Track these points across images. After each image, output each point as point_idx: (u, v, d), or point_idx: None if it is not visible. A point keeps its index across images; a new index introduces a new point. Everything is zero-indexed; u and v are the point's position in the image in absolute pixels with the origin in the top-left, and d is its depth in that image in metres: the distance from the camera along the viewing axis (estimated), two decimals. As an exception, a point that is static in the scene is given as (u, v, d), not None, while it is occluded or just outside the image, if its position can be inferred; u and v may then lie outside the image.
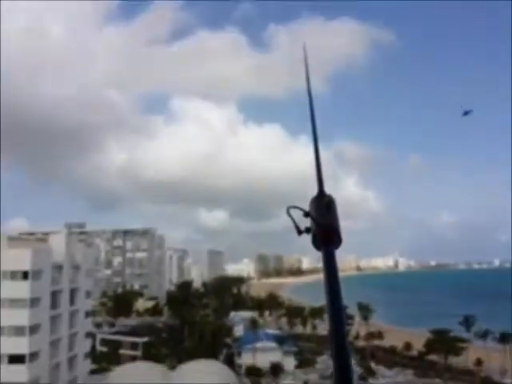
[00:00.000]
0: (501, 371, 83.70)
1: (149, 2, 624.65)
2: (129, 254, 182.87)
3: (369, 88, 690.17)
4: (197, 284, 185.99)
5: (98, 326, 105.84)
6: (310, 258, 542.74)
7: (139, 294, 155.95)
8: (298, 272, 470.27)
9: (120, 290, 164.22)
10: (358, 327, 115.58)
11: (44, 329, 48.39)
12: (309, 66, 2.76)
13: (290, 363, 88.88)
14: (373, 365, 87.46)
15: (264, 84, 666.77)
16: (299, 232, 1.99)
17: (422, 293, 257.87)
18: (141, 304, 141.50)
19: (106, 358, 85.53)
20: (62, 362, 51.93)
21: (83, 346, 58.28)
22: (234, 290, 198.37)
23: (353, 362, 62.31)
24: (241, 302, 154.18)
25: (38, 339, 47.01)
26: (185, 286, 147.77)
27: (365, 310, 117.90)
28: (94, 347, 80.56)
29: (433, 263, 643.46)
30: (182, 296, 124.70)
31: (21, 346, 45.16)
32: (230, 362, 79.94)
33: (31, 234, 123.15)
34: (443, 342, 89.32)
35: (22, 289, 46.11)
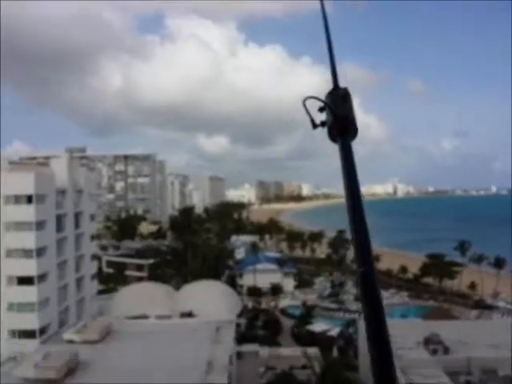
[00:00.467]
0: (493, 294, 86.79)
1: None
2: (130, 179, 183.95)
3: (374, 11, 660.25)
4: (198, 209, 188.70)
5: (104, 248, 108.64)
6: (310, 185, 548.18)
7: (142, 219, 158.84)
8: (299, 198, 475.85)
9: (123, 215, 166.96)
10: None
11: (51, 251, 49.46)
12: None
13: (289, 284, 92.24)
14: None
15: (265, 3, 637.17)
16: (314, 126, 1.95)
17: (419, 218, 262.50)
18: (144, 228, 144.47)
19: (112, 279, 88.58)
20: (70, 283, 53.69)
21: (90, 267, 59.88)
22: (235, 216, 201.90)
23: (349, 283, 64.15)
24: (242, 227, 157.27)
25: (46, 261, 48.21)
26: (187, 211, 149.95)
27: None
28: (100, 269, 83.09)
29: (431, 190, 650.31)
30: (185, 221, 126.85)
31: (29, 267, 46.38)
32: (232, 283, 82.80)
33: (32, 158, 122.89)
34: (438, 265, 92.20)
35: (27, 212, 46.57)
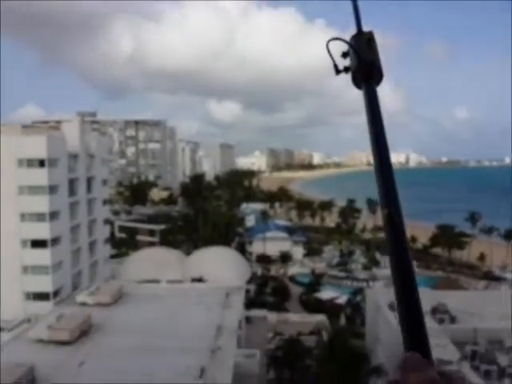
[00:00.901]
0: (502, 266, 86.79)
1: None
2: (141, 145, 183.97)
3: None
4: (209, 177, 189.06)
5: (116, 213, 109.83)
6: (321, 154, 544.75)
7: (154, 185, 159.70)
8: (309, 167, 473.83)
9: (135, 180, 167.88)
10: (365, 220, 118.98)
11: (64, 215, 50.04)
12: None
13: (298, 252, 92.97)
14: (378, 255, 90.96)
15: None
16: (337, 71, 1.89)
17: (431, 188, 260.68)
18: (156, 194, 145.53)
19: (124, 243, 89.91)
20: (83, 247, 54.53)
21: (102, 231, 60.65)
22: (246, 183, 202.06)
23: (358, 252, 64.20)
24: (252, 195, 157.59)
25: (59, 225, 48.85)
26: (197, 178, 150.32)
27: (373, 204, 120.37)
28: (113, 234, 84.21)
29: (444, 160, 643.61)
30: (195, 187, 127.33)
31: (42, 231, 47.06)
32: (242, 250, 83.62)
33: (45, 122, 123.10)
34: (448, 236, 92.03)
35: (40, 176, 46.89)
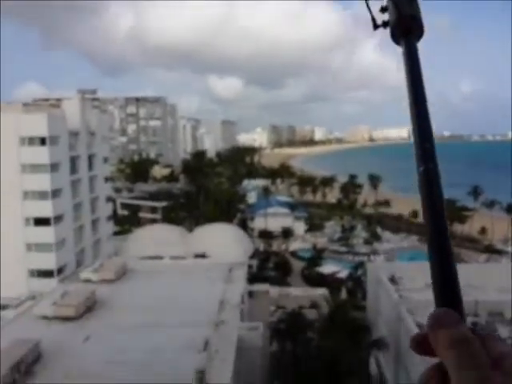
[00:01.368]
0: (503, 240, 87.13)
1: None
2: (142, 122, 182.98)
3: None
4: (210, 154, 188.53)
5: (118, 191, 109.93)
6: (323, 129, 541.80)
7: (155, 162, 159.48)
8: (311, 143, 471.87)
9: (136, 158, 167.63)
10: (366, 196, 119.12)
11: (66, 193, 50.19)
12: None
13: (300, 228, 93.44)
14: (379, 230, 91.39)
15: None
16: (375, 26, 1.79)
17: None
18: (157, 171, 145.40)
19: (127, 220, 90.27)
20: (86, 225, 54.84)
21: (105, 209, 60.86)
22: (247, 160, 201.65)
23: (359, 227, 64.38)
24: (254, 171, 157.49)
25: (61, 202, 49.05)
26: (199, 155, 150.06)
27: (375, 180, 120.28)
28: (115, 211, 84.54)
29: (447, 134, 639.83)
30: (197, 164, 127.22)
31: (45, 209, 47.28)
32: (244, 226, 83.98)
33: (45, 100, 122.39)
34: (449, 210, 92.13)
35: (42, 154, 46.87)
